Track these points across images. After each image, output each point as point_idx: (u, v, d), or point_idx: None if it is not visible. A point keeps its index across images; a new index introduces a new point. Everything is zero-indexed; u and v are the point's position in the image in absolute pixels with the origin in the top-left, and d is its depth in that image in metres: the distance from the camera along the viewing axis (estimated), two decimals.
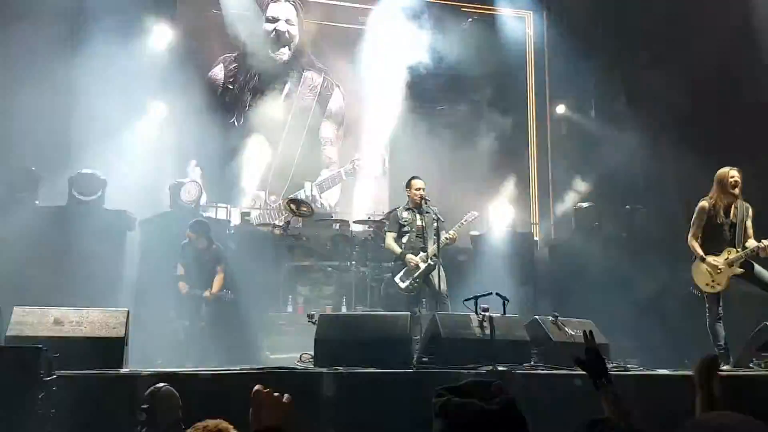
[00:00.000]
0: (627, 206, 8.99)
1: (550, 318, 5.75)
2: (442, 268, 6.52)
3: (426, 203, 6.74)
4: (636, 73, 9.78)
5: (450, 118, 10.53)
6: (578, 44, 10.57)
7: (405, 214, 6.83)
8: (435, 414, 1.51)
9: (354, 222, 8.55)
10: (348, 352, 5.06)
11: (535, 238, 9.78)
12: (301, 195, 9.87)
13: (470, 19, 10.99)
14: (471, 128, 10.39)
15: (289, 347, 6.83)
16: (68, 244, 6.75)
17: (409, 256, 6.65)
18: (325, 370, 4.86)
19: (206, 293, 6.87)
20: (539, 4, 11.70)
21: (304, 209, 8.08)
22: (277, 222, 8.92)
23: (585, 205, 9.05)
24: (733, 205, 5.80)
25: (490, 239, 8.70)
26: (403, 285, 6.70)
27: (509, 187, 9.70)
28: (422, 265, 6.64)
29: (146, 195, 8.23)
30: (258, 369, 5.07)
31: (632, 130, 9.23)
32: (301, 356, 5.60)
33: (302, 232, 8.36)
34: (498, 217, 8.92)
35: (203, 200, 8.53)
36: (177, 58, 9.18)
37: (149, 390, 3.56)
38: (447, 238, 6.60)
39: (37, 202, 7.29)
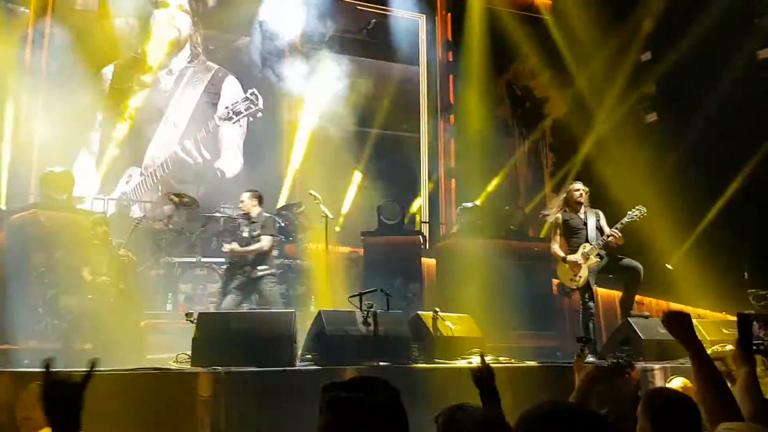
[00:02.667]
0: (507, 207, 9.43)
1: (431, 313, 5.91)
2: None
3: None
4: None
5: None
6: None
7: None
8: (321, 409, 1.53)
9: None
10: (228, 352, 4.94)
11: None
12: None
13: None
14: None
15: (168, 347, 6.58)
16: None
17: None
18: (201, 369, 4.72)
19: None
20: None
21: (187, 200, 7.80)
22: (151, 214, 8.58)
23: (469, 205, 9.37)
24: (583, 212, 6.52)
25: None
26: None
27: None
28: None
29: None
30: (130, 370, 4.82)
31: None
32: (177, 356, 5.40)
33: (185, 227, 8.06)
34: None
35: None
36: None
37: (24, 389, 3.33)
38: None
39: None
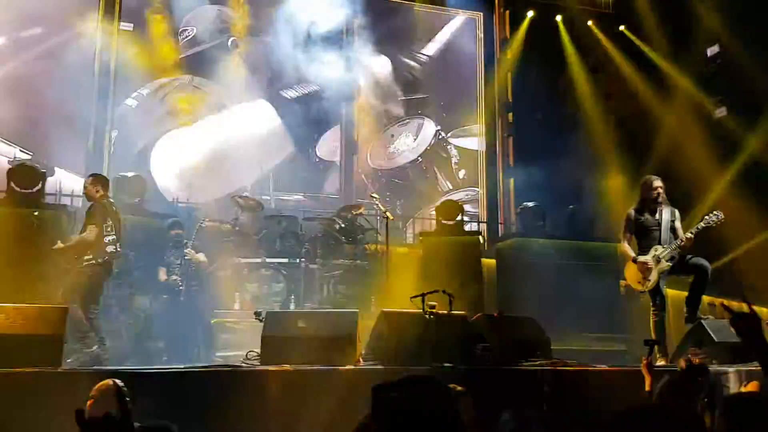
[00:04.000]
0: (570, 206, 9.24)
1: (495, 315, 5.87)
2: None
3: None
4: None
5: None
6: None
7: None
8: (374, 411, 1.54)
9: (304, 219, 8.52)
10: (295, 350, 5.05)
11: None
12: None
13: None
14: None
15: (236, 345, 6.78)
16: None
17: None
18: (271, 368, 4.84)
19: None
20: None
21: (251, 203, 8.01)
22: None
23: (530, 204, 9.24)
24: (658, 210, 6.20)
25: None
26: None
27: None
28: None
29: None
30: (202, 367, 5.01)
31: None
32: (247, 354, 5.54)
33: (250, 229, 8.28)
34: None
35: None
36: None
37: (97, 385, 3.49)
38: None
39: None
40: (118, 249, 6.11)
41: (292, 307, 7.72)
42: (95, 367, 4.68)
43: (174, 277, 6.83)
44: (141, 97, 10.42)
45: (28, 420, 4.01)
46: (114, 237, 6.04)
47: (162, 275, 6.88)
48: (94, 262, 5.92)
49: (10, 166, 7.42)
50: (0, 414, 3.93)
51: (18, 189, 6.94)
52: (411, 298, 5.64)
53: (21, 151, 9.65)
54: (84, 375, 4.32)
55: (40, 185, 7.05)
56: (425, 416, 1.48)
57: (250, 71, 10.63)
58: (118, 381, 3.68)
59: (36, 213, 6.86)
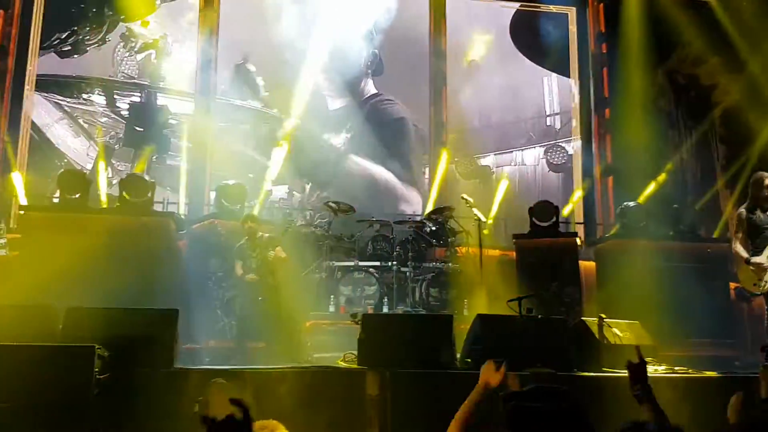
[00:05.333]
0: (675, 205, 8.77)
1: (597, 320, 5.65)
2: None
3: None
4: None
5: None
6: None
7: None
8: (510, 419, 1.52)
9: (395, 222, 8.57)
10: (392, 352, 5.08)
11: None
12: None
13: None
14: None
15: (331, 347, 6.90)
16: (117, 245, 6.95)
17: None
18: (368, 369, 4.90)
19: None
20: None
21: (346, 211, 8.16)
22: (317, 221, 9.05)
23: (631, 204, 8.84)
24: None
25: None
26: None
27: None
28: None
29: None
30: (303, 367, 5.14)
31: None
32: (344, 355, 5.64)
33: (343, 232, 8.42)
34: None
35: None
36: None
37: (208, 384, 3.66)
38: None
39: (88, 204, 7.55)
40: None
41: (385, 310, 7.79)
42: (206, 367, 4.88)
43: (251, 275, 6.92)
44: None
45: (142, 416, 4.25)
46: None
47: (238, 269, 7.07)
48: None
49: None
50: (118, 411, 4.16)
51: (129, 198, 7.40)
52: (508, 301, 5.55)
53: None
54: (194, 374, 4.51)
55: (149, 195, 7.47)
56: (561, 426, 1.44)
57: None
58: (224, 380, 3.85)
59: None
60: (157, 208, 8.21)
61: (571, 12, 11.93)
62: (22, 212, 7.67)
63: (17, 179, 8.88)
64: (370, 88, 11.50)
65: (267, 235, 7.19)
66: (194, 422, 3.73)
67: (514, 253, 8.62)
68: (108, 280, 6.53)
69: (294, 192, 11.07)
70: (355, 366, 5.22)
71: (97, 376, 3.89)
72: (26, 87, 10.06)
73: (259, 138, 10.98)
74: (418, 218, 8.67)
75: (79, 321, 4.74)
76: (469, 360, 5.35)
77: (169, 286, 7.09)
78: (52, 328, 4.70)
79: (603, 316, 5.65)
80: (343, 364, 5.50)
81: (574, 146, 11.68)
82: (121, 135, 10.30)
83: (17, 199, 9.51)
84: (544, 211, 8.50)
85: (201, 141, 10.48)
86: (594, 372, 5.17)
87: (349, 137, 11.22)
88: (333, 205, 8.19)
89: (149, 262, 6.99)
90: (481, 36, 11.63)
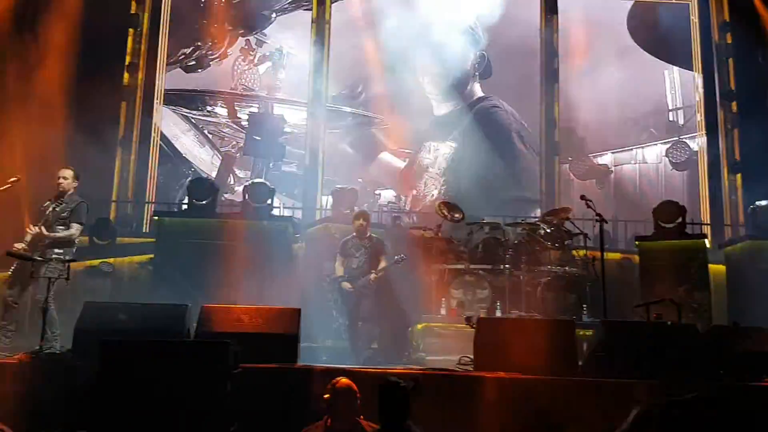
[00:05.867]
0: None
1: (731, 326, 5.28)
2: None
3: None
4: None
5: None
6: None
7: None
8: (664, 426, 1.46)
9: (507, 225, 8.41)
10: (510, 357, 4.99)
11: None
12: None
13: None
14: None
15: (444, 350, 6.89)
16: (241, 247, 7.34)
17: None
18: (486, 374, 4.84)
19: (372, 276, 6.95)
20: None
21: (457, 215, 8.11)
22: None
23: (763, 203, 8.18)
24: None
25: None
26: None
27: None
28: None
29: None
30: (421, 370, 5.16)
31: None
32: (460, 359, 5.61)
33: (453, 235, 8.38)
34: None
35: None
36: None
37: (331, 383, 3.77)
38: None
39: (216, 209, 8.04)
40: None
41: (498, 314, 7.66)
42: (326, 365, 5.02)
43: (346, 283, 7.01)
44: None
45: (262, 413, 4.42)
46: None
47: (338, 268, 7.08)
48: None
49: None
50: (248, 404, 4.36)
51: (251, 203, 7.79)
52: (634, 307, 5.34)
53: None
54: (317, 372, 4.66)
55: (269, 200, 7.84)
56: None
57: None
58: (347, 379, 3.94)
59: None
60: (275, 212, 8.59)
61: (692, 2, 11.26)
62: (155, 218, 8.25)
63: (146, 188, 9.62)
64: (477, 90, 11.40)
65: (376, 235, 7.28)
66: (319, 418, 3.89)
67: (637, 257, 8.26)
68: (233, 280, 6.91)
69: (402, 195, 11.18)
70: (472, 370, 5.17)
71: (231, 371, 4.10)
72: (155, 101, 10.84)
73: (368, 143, 11.21)
74: (532, 220, 8.45)
75: (212, 318, 5.03)
76: (592, 367, 5.16)
77: (288, 286, 7.40)
78: (181, 325, 5.01)
79: (736, 322, 5.27)
80: (459, 368, 5.47)
81: (698, 142, 10.98)
82: (242, 144, 10.85)
83: (149, 206, 10.31)
84: (669, 211, 8.07)
85: (313, 147, 10.84)
86: (731, 381, 4.82)
87: (457, 140, 11.18)
88: (444, 208, 8.16)
89: (270, 264, 7.32)
90: (595, 30, 11.20)
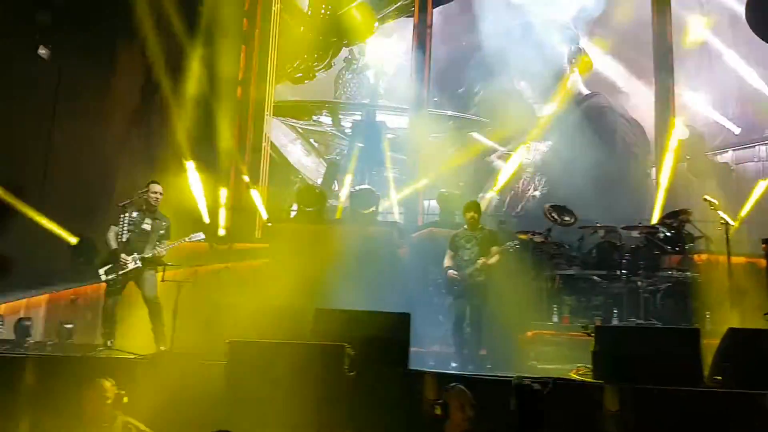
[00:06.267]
0: None
1: None
2: None
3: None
4: None
5: None
6: None
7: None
8: None
9: (622, 228, 8.02)
10: (632, 367, 4.76)
11: None
12: None
13: None
14: None
15: (557, 358, 6.67)
16: (349, 253, 7.50)
17: None
18: (607, 384, 4.66)
19: (480, 261, 6.61)
20: None
21: (567, 218, 7.86)
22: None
23: None
24: None
25: None
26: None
27: None
28: None
29: None
30: (535, 378, 5.03)
31: None
32: (577, 368, 5.42)
33: (564, 239, 8.11)
34: None
35: None
36: None
37: (444, 388, 3.75)
38: None
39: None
40: None
41: (614, 322, 7.33)
42: (439, 370, 4.99)
43: (452, 272, 6.65)
44: None
45: (375, 416, 4.47)
46: None
47: (447, 260, 6.82)
48: None
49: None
50: (362, 406, 4.42)
51: (357, 209, 7.98)
52: (764, 314, 4.94)
53: None
54: (428, 376, 4.65)
55: (375, 206, 8.00)
56: None
57: None
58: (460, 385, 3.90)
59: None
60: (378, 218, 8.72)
61: None
62: (269, 224, 8.59)
63: (257, 195, 10.03)
64: (581, 87, 11.03)
65: (488, 228, 7.08)
66: (432, 423, 3.88)
67: (764, 260, 7.64)
68: (341, 284, 7.06)
69: (504, 197, 11.01)
70: (591, 380, 4.97)
71: (347, 373, 4.17)
72: (266, 112, 11.32)
73: (469, 146, 11.13)
74: (650, 223, 8.02)
75: (325, 321, 5.15)
76: (719, 378, 4.83)
77: (393, 291, 7.46)
78: (302, 327, 5.15)
79: None
80: (576, 377, 5.27)
81: None
82: (345, 151, 11.11)
83: (260, 213, 10.75)
84: None
85: (415, 153, 10.90)
86: None
87: (559, 139, 10.86)
88: (553, 212, 7.93)
89: (376, 269, 7.42)
90: (710, 20, 10.53)
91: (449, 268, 6.77)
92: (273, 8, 11.19)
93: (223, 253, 8.81)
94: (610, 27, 10.76)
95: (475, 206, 6.95)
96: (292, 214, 9.33)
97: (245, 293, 8.08)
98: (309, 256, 7.22)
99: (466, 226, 6.88)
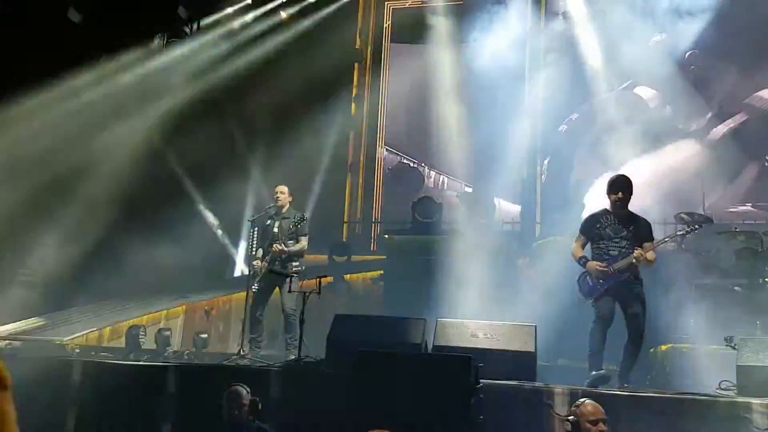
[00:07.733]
0: None
1: None
2: None
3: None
4: None
5: None
6: None
7: None
8: None
9: (765, 233, 7.36)
10: None
11: None
12: None
13: None
14: None
15: (694, 373, 6.19)
16: (468, 264, 7.42)
17: None
18: (754, 400, 4.27)
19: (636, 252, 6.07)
20: None
21: (701, 219, 7.32)
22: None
23: None
24: None
25: None
26: None
27: None
28: None
29: None
30: (677, 393, 4.72)
31: None
32: (720, 383, 5.02)
33: (699, 246, 7.56)
34: None
35: None
36: None
37: (575, 404, 3.60)
38: None
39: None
40: None
41: (758, 333, 6.71)
42: (568, 386, 4.77)
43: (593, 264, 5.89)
44: (571, 122, 10.74)
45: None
46: None
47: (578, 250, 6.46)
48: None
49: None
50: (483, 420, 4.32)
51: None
52: None
53: (465, 185, 11.01)
54: (558, 391, 4.48)
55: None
56: None
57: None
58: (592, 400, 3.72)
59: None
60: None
61: None
62: (386, 236, 8.71)
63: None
64: None
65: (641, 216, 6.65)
66: None
67: None
68: (460, 294, 6.99)
69: None
70: (737, 396, 4.59)
71: (474, 386, 4.10)
72: (378, 128, 11.56)
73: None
74: None
75: (446, 332, 5.11)
76: None
77: (513, 302, 7.27)
78: (420, 338, 5.13)
79: None
80: (720, 393, 4.88)
81: None
82: None
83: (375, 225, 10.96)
84: None
85: (532, 159, 10.65)
86: None
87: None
88: (686, 217, 7.42)
89: (495, 279, 7.29)
90: None
91: (586, 259, 5.37)
92: None
93: (341, 265, 9.07)
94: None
95: (625, 183, 5.33)
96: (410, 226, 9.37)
97: (362, 306, 8.28)
98: (426, 266, 7.23)
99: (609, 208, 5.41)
